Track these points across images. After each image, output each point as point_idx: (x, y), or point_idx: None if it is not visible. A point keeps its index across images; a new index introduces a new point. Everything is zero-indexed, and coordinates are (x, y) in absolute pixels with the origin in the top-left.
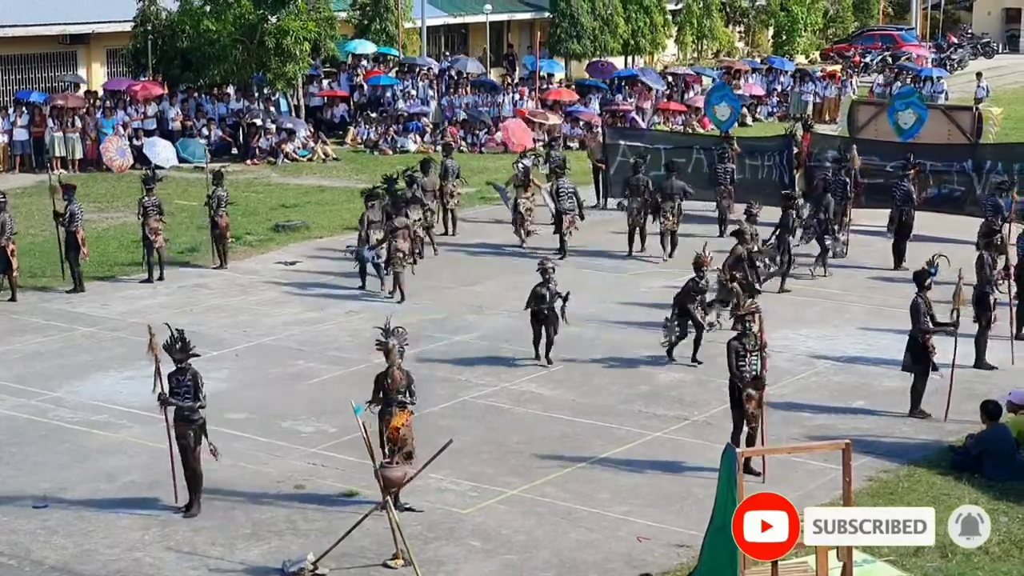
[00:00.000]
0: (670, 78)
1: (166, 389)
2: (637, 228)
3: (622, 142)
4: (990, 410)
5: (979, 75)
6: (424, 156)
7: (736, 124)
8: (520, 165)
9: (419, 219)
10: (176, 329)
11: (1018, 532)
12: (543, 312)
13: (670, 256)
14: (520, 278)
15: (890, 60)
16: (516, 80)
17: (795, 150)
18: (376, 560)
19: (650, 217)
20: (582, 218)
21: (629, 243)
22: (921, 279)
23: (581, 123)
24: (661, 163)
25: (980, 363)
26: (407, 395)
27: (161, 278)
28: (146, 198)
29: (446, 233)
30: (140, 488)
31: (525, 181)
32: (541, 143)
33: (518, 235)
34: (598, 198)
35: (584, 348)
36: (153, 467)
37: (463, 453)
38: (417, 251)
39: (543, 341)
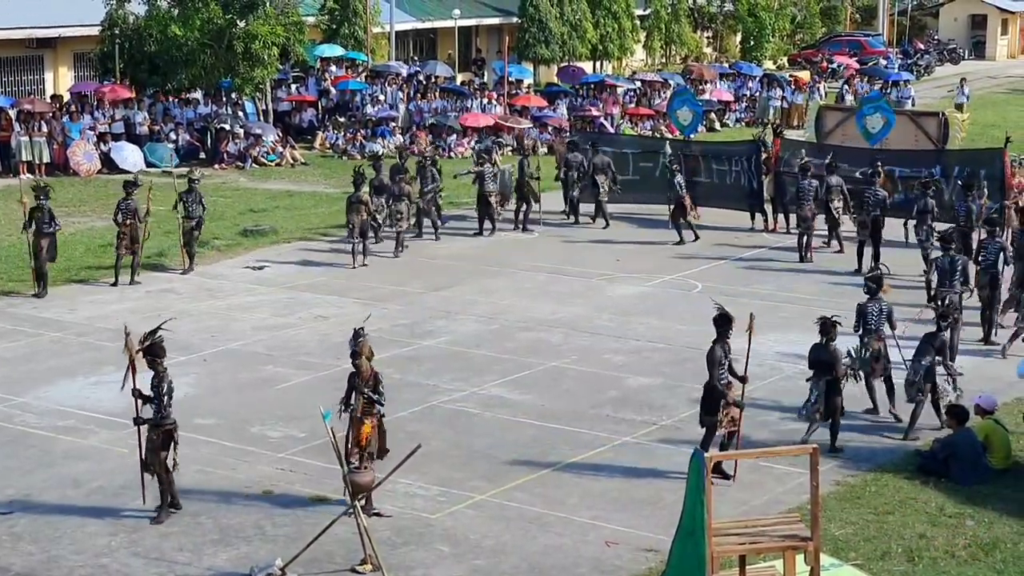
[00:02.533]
0: (638, 84)
1: (138, 385)
2: (573, 201)
3: (587, 146)
4: (957, 414)
5: (963, 80)
6: (417, 156)
7: (701, 128)
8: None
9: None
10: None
11: (984, 535)
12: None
13: (606, 227)
14: (490, 282)
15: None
16: (481, 84)
17: (764, 155)
18: (344, 565)
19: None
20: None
21: (574, 213)
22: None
23: (550, 128)
24: (629, 167)
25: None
26: (376, 393)
27: (135, 282)
28: (125, 201)
29: (419, 236)
30: (107, 494)
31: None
32: (510, 148)
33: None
34: (567, 205)
35: (552, 353)
36: (120, 472)
37: (432, 458)
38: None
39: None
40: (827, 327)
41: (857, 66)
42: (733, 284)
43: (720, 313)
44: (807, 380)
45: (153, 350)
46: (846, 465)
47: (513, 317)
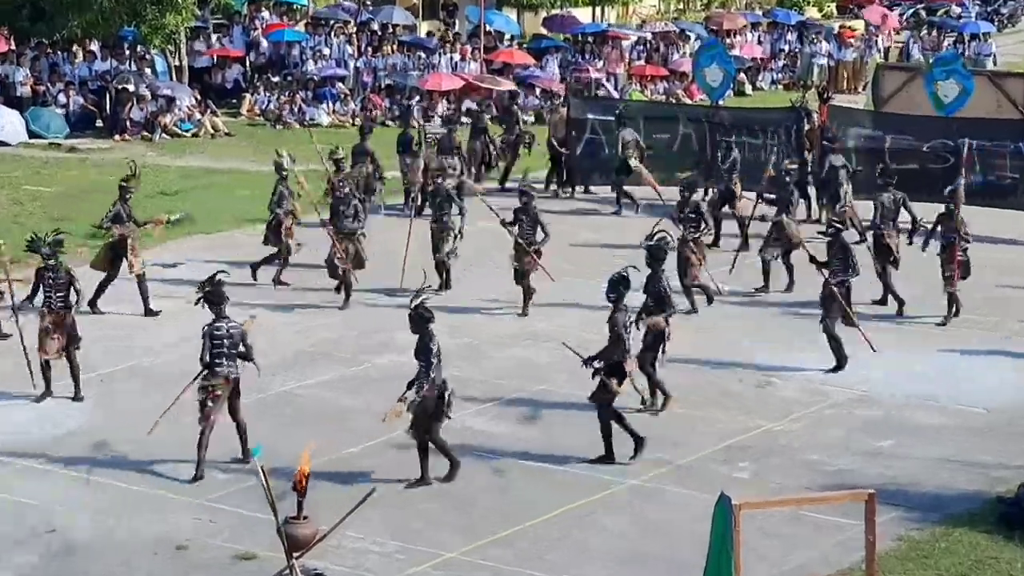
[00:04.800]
0: (649, 36)
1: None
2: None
3: (590, 116)
4: None
5: None
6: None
7: (731, 92)
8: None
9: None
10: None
11: None
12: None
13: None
14: (461, 287)
15: (924, 15)
16: (454, 35)
17: (806, 127)
18: None
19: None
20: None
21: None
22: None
23: (538, 91)
24: (640, 142)
25: None
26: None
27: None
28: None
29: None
30: None
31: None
32: (490, 116)
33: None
34: (555, 184)
35: (539, 375)
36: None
37: (389, 504)
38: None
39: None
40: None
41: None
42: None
43: (620, 275)
44: None
45: (213, 297)
46: (910, 516)
47: (489, 330)
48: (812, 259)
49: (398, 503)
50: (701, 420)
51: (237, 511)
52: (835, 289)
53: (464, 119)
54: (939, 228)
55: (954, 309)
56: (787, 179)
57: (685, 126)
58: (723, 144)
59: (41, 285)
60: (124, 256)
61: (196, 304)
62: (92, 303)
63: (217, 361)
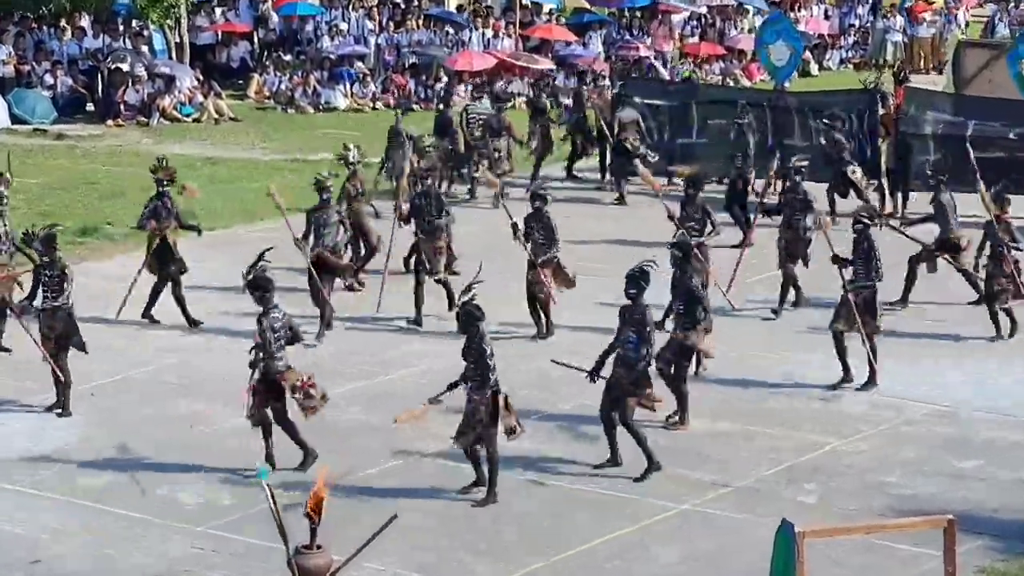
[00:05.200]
0: (704, 10)
1: None
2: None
3: (637, 99)
4: None
5: None
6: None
7: (795, 73)
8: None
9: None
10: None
11: None
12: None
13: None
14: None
15: None
16: (487, 7)
17: (881, 111)
18: None
19: None
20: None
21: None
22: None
23: (580, 72)
24: (692, 127)
25: None
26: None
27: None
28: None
29: None
30: None
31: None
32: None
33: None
34: (603, 175)
35: (573, 389)
36: None
37: (412, 531)
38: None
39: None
40: None
41: None
42: (835, 295)
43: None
44: None
45: (258, 283)
46: (995, 545)
47: (509, 340)
48: (835, 257)
49: (422, 530)
50: (760, 438)
51: (242, 539)
52: (849, 296)
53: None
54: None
55: (1011, 326)
56: (798, 179)
57: (744, 111)
58: (735, 127)
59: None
60: (173, 254)
61: (243, 292)
62: (146, 312)
63: (279, 354)
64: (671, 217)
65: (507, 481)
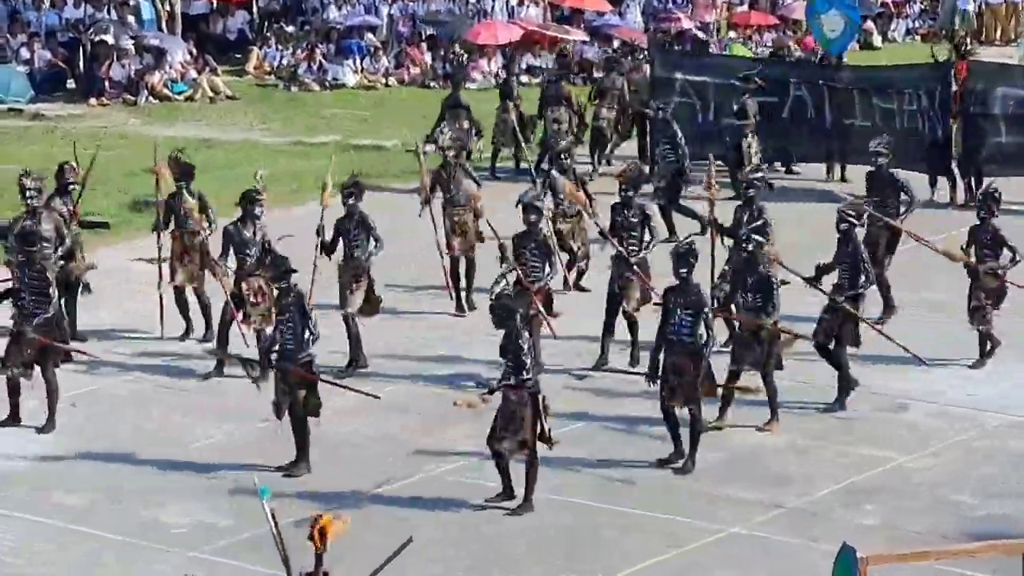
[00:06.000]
0: None
1: None
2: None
3: (679, 75)
4: None
5: None
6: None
7: (854, 45)
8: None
9: None
10: None
11: None
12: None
13: None
14: None
15: None
16: None
17: (953, 88)
18: None
19: None
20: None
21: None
22: None
23: (616, 44)
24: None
25: None
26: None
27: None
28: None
29: None
30: None
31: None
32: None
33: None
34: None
35: (612, 386)
36: None
37: (428, 558)
38: None
39: None
40: None
41: None
42: (897, 290)
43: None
44: None
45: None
46: None
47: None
48: (815, 273)
49: (440, 555)
50: (816, 452)
51: (238, 565)
52: (845, 305)
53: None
54: None
55: None
56: (751, 193)
57: (797, 88)
58: (658, 116)
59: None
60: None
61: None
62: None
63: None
64: (603, 233)
65: (545, 499)
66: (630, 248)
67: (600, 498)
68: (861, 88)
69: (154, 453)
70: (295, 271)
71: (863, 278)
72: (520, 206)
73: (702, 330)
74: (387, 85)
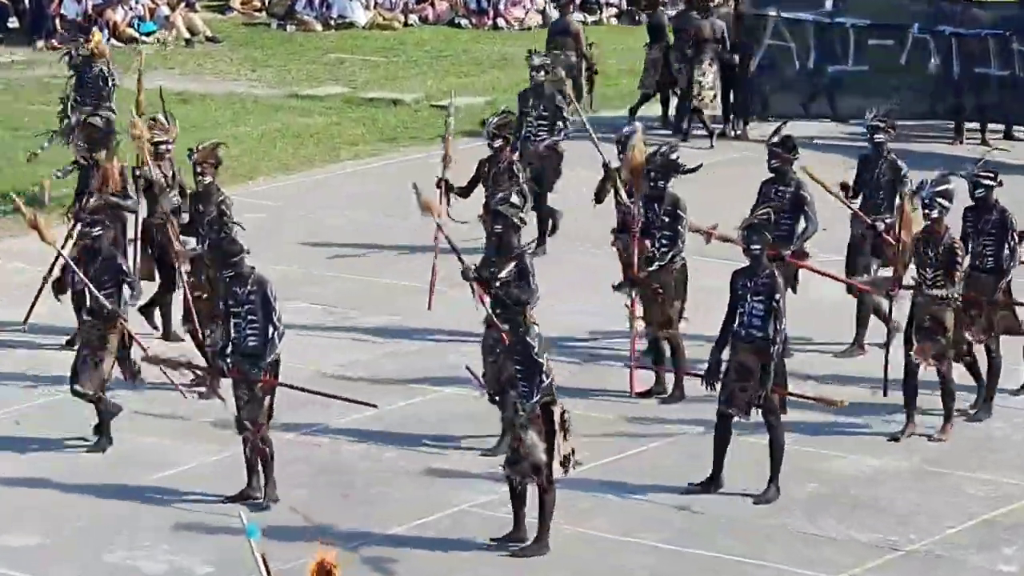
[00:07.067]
0: None
1: None
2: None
3: (771, 13)
4: None
5: None
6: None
7: None
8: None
9: None
10: None
11: None
12: None
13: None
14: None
15: None
16: None
17: None
18: None
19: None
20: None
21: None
22: None
23: None
24: (848, 52)
25: None
26: None
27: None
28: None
29: None
30: None
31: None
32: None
33: None
34: (726, 119)
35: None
36: None
37: None
38: None
39: None
40: None
41: None
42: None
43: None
44: None
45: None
46: None
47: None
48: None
49: None
50: (941, 482)
51: None
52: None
53: None
54: None
55: None
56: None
57: (919, 31)
58: (537, 86)
59: None
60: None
61: None
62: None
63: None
64: (627, 224)
65: (577, 541)
66: (661, 250)
67: (655, 536)
68: (995, 34)
69: (117, 479)
70: (247, 251)
71: (1007, 252)
72: (492, 209)
73: (776, 324)
74: (407, 24)
